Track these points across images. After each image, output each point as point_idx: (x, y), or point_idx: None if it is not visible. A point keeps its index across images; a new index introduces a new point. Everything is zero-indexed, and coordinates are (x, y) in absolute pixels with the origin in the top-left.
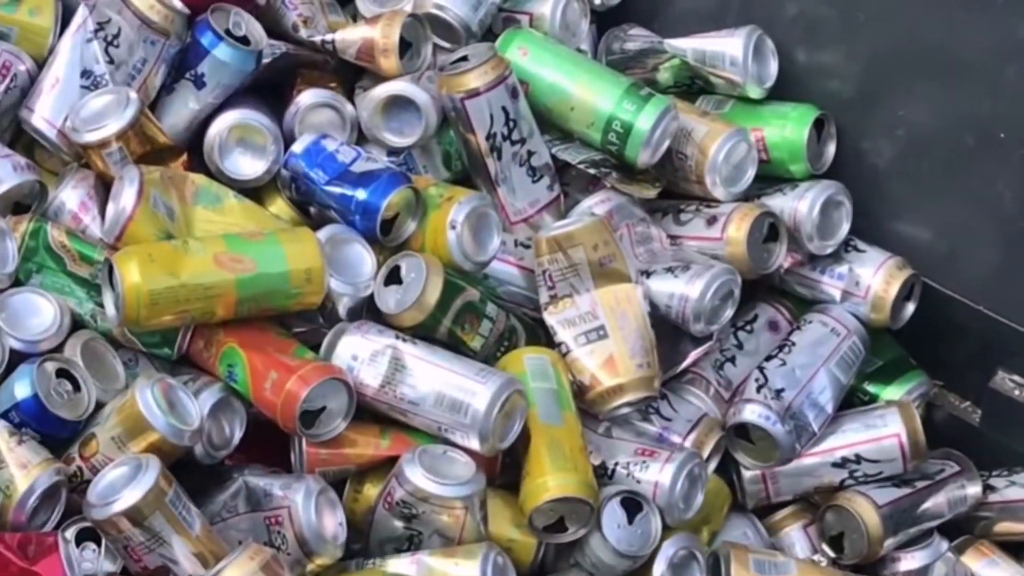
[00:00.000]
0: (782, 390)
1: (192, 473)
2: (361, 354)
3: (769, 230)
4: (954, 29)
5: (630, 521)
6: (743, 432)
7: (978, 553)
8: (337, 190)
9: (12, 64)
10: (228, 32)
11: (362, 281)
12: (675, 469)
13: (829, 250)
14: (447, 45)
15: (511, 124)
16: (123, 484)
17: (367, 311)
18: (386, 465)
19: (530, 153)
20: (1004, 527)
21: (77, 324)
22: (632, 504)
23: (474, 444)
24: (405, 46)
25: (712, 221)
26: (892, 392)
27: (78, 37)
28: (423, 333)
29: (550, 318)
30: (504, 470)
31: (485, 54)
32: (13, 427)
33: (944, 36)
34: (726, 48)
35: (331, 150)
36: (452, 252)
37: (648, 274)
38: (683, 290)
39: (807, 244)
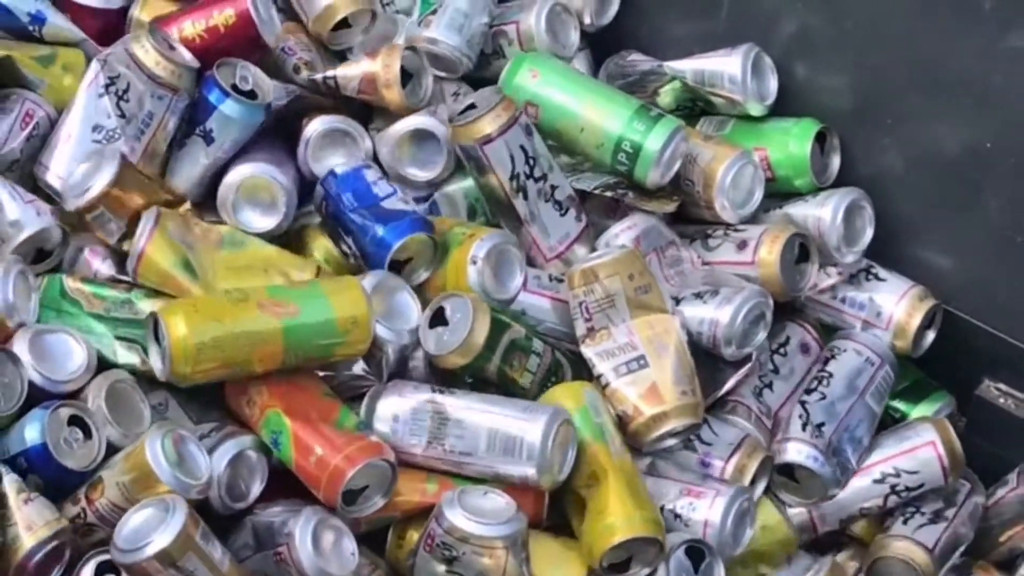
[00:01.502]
0: (822, 424)
1: (206, 518)
2: (402, 414)
3: (800, 250)
4: (946, 39)
5: (695, 570)
6: (786, 470)
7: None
8: (360, 219)
9: (35, 112)
10: (235, 87)
11: (408, 328)
12: (724, 507)
13: (853, 257)
14: (445, 75)
15: (531, 162)
16: (152, 527)
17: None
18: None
19: (553, 188)
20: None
21: (103, 364)
22: (696, 553)
23: (532, 479)
24: (406, 77)
25: (743, 245)
26: (921, 411)
27: (90, 92)
28: (472, 374)
29: (588, 351)
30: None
31: (493, 98)
32: (22, 482)
33: (936, 46)
34: (725, 67)
35: (369, 180)
36: (472, 288)
37: (678, 301)
38: (713, 315)
39: (834, 254)
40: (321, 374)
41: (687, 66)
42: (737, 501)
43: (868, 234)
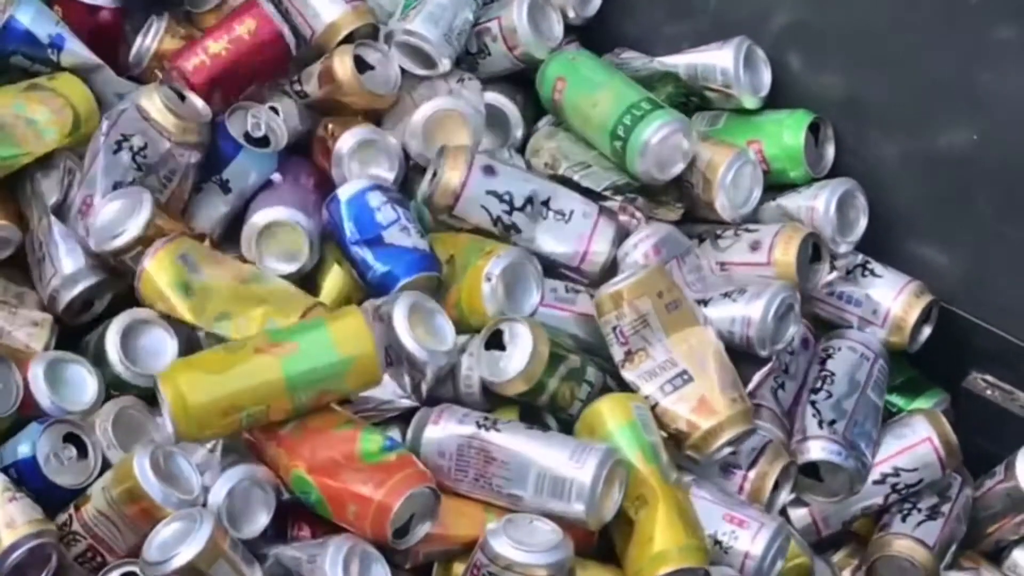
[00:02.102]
0: (834, 422)
1: None
2: (447, 450)
3: (813, 250)
4: (935, 32)
5: None
6: (808, 470)
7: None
8: (361, 254)
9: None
10: (247, 136)
11: (445, 350)
12: (767, 542)
13: (847, 248)
14: (423, 72)
15: (507, 198)
16: (179, 540)
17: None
18: None
19: (545, 203)
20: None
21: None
22: None
23: (580, 520)
24: (365, 67)
25: (756, 246)
26: (919, 406)
27: (106, 149)
28: (523, 400)
29: (629, 375)
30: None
31: (441, 159)
32: (10, 483)
33: (925, 39)
34: (717, 60)
35: (372, 206)
36: (486, 304)
37: (705, 303)
38: (744, 312)
39: (828, 245)
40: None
41: (679, 61)
42: (780, 537)
43: (862, 224)
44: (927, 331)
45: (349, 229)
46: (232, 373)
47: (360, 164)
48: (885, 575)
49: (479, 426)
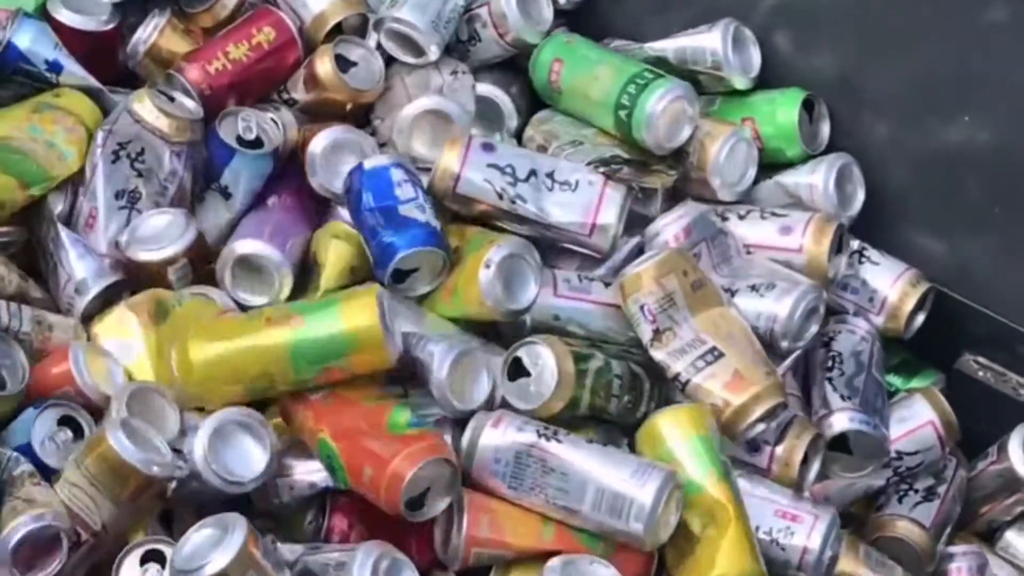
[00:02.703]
0: (851, 398)
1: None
2: (504, 456)
3: (839, 242)
4: (927, 14)
5: None
6: (832, 446)
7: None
8: (374, 220)
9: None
10: (240, 139)
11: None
12: (824, 535)
13: (848, 221)
14: (413, 61)
15: (509, 170)
16: (211, 547)
17: None
18: (540, 558)
19: (550, 175)
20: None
21: None
22: None
23: (637, 541)
24: (348, 65)
25: (786, 231)
26: (917, 385)
27: (104, 159)
28: (564, 416)
29: (658, 353)
30: None
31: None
32: (35, 470)
33: (917, 21)
34: (706, 43)
35: (394, 180)
36: (483, 291)
37: (732, 293)
38: (771, 309)
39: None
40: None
41: (668, 46)
42: (835, 527)
43: (860, 198)
44: (921, 318)
45: (367, 197)
46: (240, 340)
47: (333, 166)
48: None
49: (539, 435)
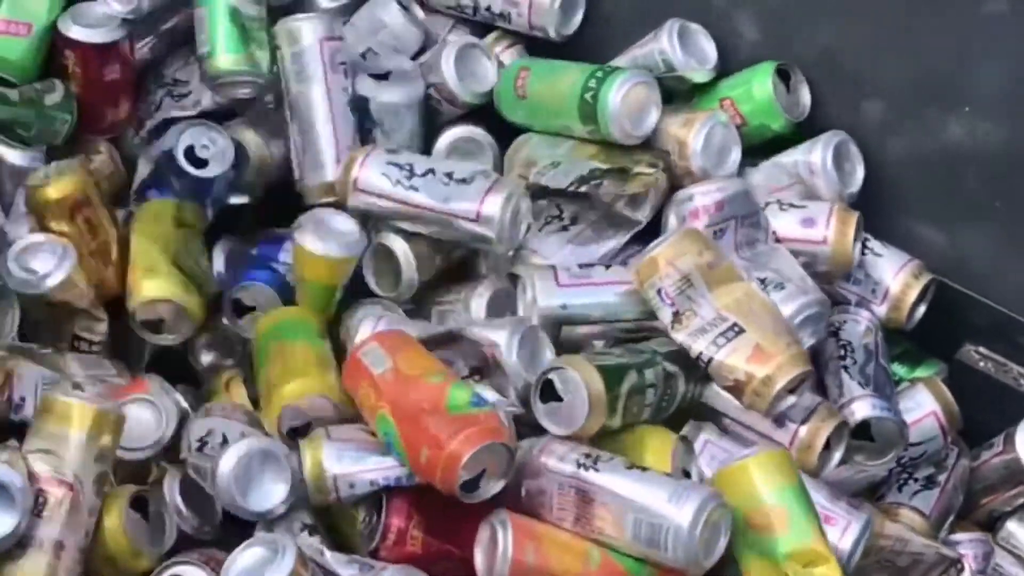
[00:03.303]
0: (865, 385)
1: None
2: (548, 488)
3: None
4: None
5: None
6: (857, 434)
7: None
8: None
9: None
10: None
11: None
12: (855, 538)
13: (850, 199)
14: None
15: (407, 167)
16: (259, 571)
17: None
18: None
19: (448, 172)
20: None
21: None
22: None
23: (680, 568)
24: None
25: (809, 223)
26: (921, 374)
27: None
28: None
29: (680, 335)
30: None
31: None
32: None
33: (913, 10)
34: (653, 46)
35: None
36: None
37: None
38: None
39: (827, 197)
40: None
41: (621, 59)
42: (868, 531)
43: (860, 174)
44: (923, 309)
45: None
46: None
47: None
48: None
49: (579, 465)
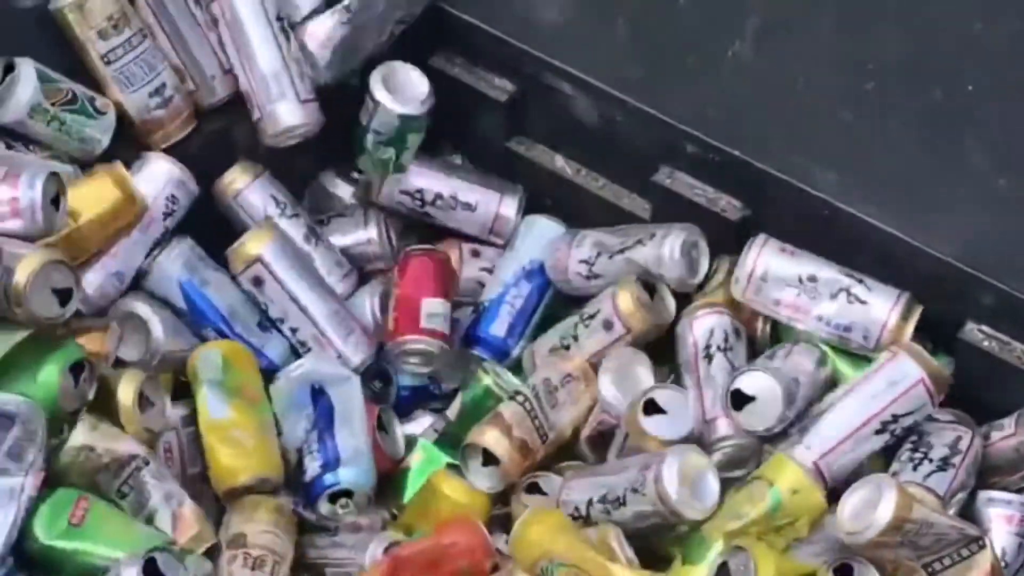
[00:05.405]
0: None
1: None
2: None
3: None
4: None
5: None
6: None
7: None
8: None
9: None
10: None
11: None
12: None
13: (693, 285)
14: None
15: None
16: None
17: None
18: None
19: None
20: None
21: None
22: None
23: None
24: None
25: (608, 325)
26: None
27: None
28: None
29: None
30: None
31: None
32: None
33: None
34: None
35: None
36: None
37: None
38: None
39: (673, 284)
40: None
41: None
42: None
43: (704, 265)
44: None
45: None
46: None
47: None
48: None
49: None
